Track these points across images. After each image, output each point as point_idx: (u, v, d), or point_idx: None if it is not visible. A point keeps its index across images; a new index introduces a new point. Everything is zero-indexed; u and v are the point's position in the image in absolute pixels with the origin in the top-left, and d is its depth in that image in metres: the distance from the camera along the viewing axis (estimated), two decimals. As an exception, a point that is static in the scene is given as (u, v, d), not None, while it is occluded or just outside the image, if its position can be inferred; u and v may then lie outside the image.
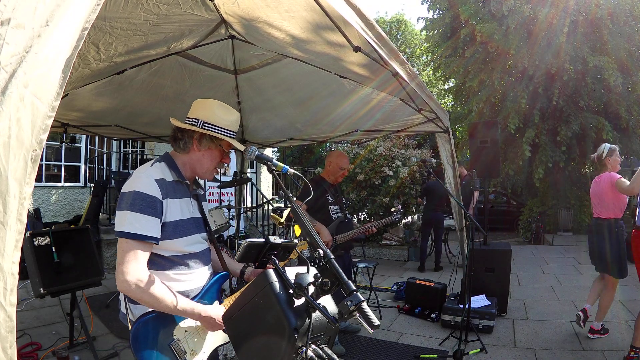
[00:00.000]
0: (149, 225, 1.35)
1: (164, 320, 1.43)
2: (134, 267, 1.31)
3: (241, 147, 1.55)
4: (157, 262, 1.44)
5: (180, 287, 1.48)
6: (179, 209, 1.48)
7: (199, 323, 1.50)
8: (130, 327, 1.44)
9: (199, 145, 1.54)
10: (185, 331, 1.48)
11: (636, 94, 8.93)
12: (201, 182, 1.78)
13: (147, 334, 1.41)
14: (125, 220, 1.33)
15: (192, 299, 1.51)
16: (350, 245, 3.72)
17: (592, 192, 3.71)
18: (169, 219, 1.43)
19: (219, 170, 1.63)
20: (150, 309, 1.40)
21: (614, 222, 3.49)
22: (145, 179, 1.40)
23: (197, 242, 1.56)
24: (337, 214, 3.46)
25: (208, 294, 1.57)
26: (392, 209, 3.77)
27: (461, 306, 3.81)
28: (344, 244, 3.43)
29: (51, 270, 2.96)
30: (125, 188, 1.39)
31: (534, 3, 8.79)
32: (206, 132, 1.51)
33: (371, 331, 0.97)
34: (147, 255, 1.37)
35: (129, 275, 1.30)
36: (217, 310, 1.48)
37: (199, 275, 1.56)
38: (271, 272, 1.08)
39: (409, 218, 8.66)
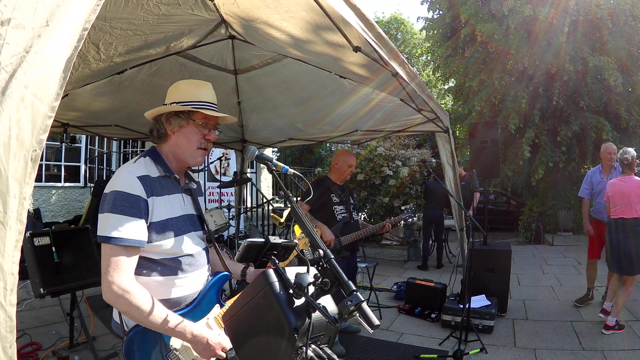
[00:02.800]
0: (133, 228, 1.22)
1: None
2: (119, 276, 1.20)
3: (221, 114, 1.44)
4: (147, 266, 1.32)
5: (175, 293, 1.36)
6: (167, 206, 1.35)
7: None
8: (124, 338, 1.33)
9: (170, 126, 1.41)
10: (184, 343, 1.36)
11: (636, 94, 8.93)
12: (198, 177, 1.69)
13: (142, 345, 1.30)
14: (107, 224, 1.21)
15: (189, 305, 1.40)
16: (356, 247, 3.64)
17: (614, 192, 3.77)
18: (156, 219, 1.30)
19: (204, 149, 1.46)
20: None
21: (637, 221, 3.61)
22: (126, 176, 1.28)
23: (191, 242, 1.42)
24: (343, 215, 3.38)
25: (206, 298, 1.45)
26: (404, 208, 3.68)
27: (461, 306, 3.81)
28: (349, 245, 3.34)
29: (51, 270, 2.96)
30: (107, 188, 1.27)
31: (534, 3, 8.79)
32: (171, 110, 1.40)
33: (371, 331, 0.97)
34: (133, 261, 1.25)
35: (113, 286, 1.19)
36: (216, 336, 1.33)
37: (195, 279, 1.42)
38: (271, 272, 1.07)
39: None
